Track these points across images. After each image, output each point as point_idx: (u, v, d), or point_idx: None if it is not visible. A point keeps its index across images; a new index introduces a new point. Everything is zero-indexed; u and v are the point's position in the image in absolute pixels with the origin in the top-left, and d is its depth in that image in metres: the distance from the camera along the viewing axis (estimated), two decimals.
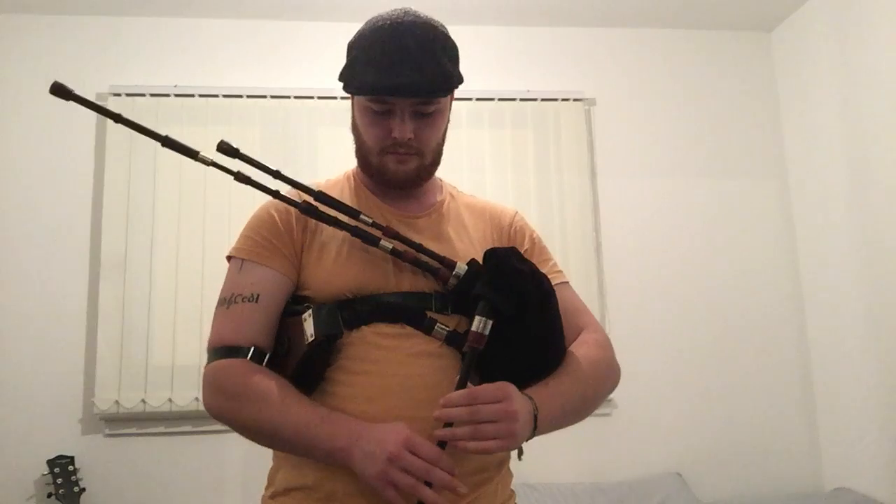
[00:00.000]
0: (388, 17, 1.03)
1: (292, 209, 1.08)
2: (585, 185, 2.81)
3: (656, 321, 2.77)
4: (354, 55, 1.05)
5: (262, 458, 1.14)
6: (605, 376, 1.12)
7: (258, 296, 1.03)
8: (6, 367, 2.47)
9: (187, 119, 2.65)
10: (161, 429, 2.50)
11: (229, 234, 1.11)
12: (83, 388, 2.49)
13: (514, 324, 0.98)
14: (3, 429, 2.44)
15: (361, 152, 1.11)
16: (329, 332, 0.98)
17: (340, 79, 1.08)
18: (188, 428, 2.50)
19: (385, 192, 1.14)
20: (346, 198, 1.12)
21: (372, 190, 1.15)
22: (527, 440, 0.96)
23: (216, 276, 1.10)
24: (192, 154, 1.03)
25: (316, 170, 2.64)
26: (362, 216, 1.05)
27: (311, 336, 0.97)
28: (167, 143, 1.02)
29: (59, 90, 0.98)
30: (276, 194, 1.06)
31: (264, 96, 2.70)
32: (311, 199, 1.07)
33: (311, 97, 2.71)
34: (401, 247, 1.04)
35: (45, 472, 2.27)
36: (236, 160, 1.06)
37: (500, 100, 2.81)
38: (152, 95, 2.65)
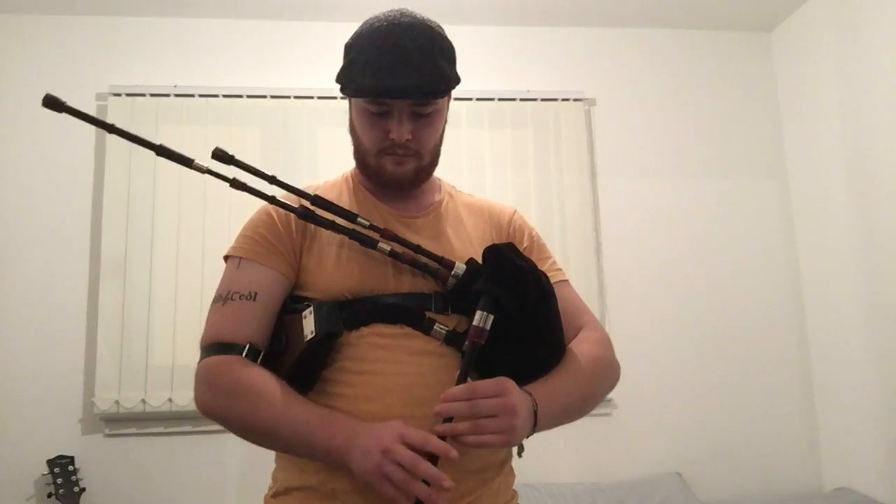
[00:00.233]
0: (384, 18, 1.03)
1: None
2: (585, 185, 2.81)
3: (656, 321, 2.77)
4: (351, 57, 1.05)
5: (261, 458, 1.14)
6: (605, 374, 1.12)
7: (256, 294, 1.02)
8: (6, 367, 2.47)
9: (187, 119, 2.65)
10: (161, 429, 2.50)
11: (229, 234, 1.11)
12: (83, 388, 2.49)
13: (514, 320, 0.98)
14: (3, 429, 2.44)
15: (359, 154, 1.11)
16: (330, 329, 0.98)
17: (338, 81, 1.07)
18: (188, 428, 2.50)
19: (383, 192, 1.14)
20: (345, 199, 1.12)
21: (371, 191, 1.15)
22: (527, 436, 0.96)
23: (216, 276, 1.10)
24: (186, 162, 1.03)
25: (316, 170, 2.64)
26: (360, 219, 1.05)
27: (312, 333, 0.97)
28: (162, 152, 1.02)
29: (52, 102, 0.98)
30: (272, 200, 1.06)
31: (264, 96, 2.70)
32: (307, 204, 1.07)
33: (311, 97, 2.71)
34: (399, 248, 1.04)
35: (45, 472, 2.27)
36: (232, 166, 1.06)
37: (500, 100, 2.81)
38: (152, 95, 2.65)
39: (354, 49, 1.05)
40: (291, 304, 1.05)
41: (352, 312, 1.01)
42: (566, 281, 1.18)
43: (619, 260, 2.80)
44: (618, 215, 2.84)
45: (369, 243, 1.03)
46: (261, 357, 1.02)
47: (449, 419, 0.90)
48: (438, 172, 1.19)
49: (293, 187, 1.08)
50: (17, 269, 2.54)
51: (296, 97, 2.71)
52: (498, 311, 0.96)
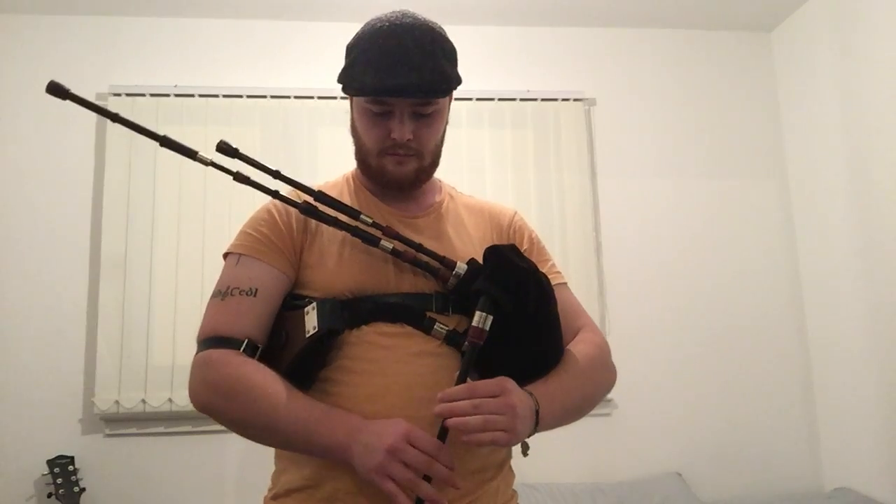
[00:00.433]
0: (386, 18, 1.04)
1: (292, 209, 1.08)
2: (585, 185, 2.81)
3: (656, 321, 2.77)
4: (353, 57, 1.05)
5: (261, 458, 1.14)
6: (603, 376, 1.13)
7: (256, 290, 1.02)
8: (6, 367, 2.47)
9: (187, 119, 2.65)
10: (161, 429, 2.50)
11: (229, 234, 1.10)
12: (83, 388, 2.49)
13: (513, 320, 0.98)
14: (3, 429, 2.44)
15: (361, 154, 1.11)
16: (332, 326, 0.98)
17: (339, 81, 1.08)
18: (188, 428, 2.50)
19: (385, 192, 1.14)
20: (346, 199, 1.12)
21: (372, 191, 1.15)
22: (528, 436, 0.96)
23: (216, 275, 1.09)
24: (190, 154, 1.03)
25: (316, 170, 2.64)
26: (362, 216, 1.05)
27: (315, 328, 0.97)
28: (165, 142, 1.02)
29: (56, 89, 0.98)
30: (275, 194, 1.06)
31: (264, 96, 2.70)
32: (310, 200, 1.07)
33: (311, 97, 2.71)
34: (401, 247, 1.04)
35: (45, 472, 2.27)
36: (235, 160, 1.06)
37: (500, 100, 2.81)
38: (152, 95, 2.65)
39: (356, 49, 1.05)
40: (292, 302, 1.04)
41: (353, 311, 1.01)
42: (565, 283, 1.18)
43: (619, 260, 2.80)
44: (618, 215, 2.84)
45: (372, 241, 1.03)
46: (258, 353, 1.01)
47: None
48: (438, 173, 1.19)
49: (297, 182, 1.08)
50: (17, 269, 2.54)
51: (296, 97, 2.71)
52: (497, 312, 0.96)
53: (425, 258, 1.04)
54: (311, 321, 0.98)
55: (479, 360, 0.96)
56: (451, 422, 0.89)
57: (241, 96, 2.69)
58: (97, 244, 2.57)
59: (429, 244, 1.06)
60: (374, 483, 0.87)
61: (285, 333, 1.03)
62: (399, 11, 1.05)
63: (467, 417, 0.89)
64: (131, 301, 2.50)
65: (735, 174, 2.94)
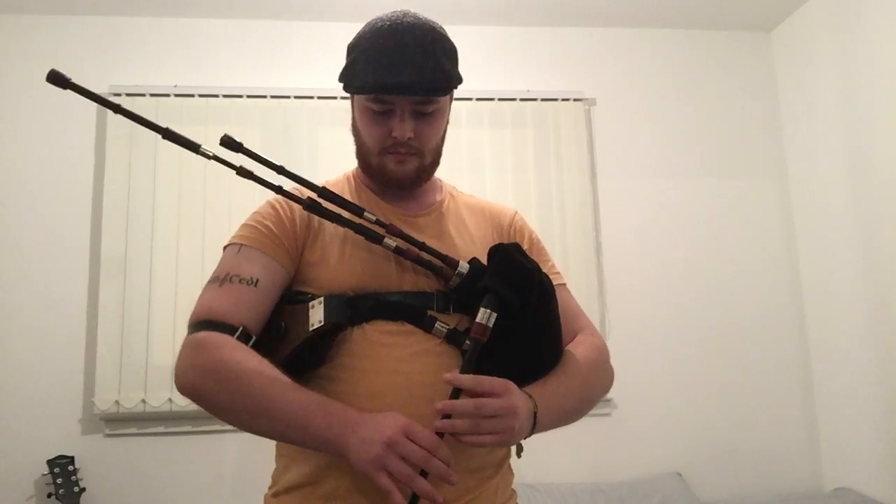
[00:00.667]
0: (387, 18, 1.04)
1: (296, 205, 1.07)
2: (585, 185, 2.81)
3: (656, 321, 2.77)
4: (354, 56, 1.05)
5: (261, 458, 1.14)
6: (601, 378, 1.13)
7: (257, 280, 1.01)
8: (6, 367, 2.47)
9: (187, 119, 2.64)
10: (161, 429, 2.50)
11: (229, 234, 1.10)
12: (83, 388, 2.49)
13: (516, 319, 0.98)
14: (3, 429, 2.44)
15: (361, 153, 1.11)
16: (339, 320, 0.98)
17: (340, 79, 1.08)
18: (188, 428, 2.50)
19: (386, 191, 1.14)
20: (347, 198, 1.12)
21: (373, 190, 1.15)
22: (525, 438, 0.96)
23: None
24: (193, 147, 1.02)
25: (316, 170, 2.64)
26: (366, 214, 1.05)
27: (320, 322, 0.96)
28: (168, 135, 1.01)
29: (56, 78, 0.97)
30: (279, 190, 1.06)
31: (264, 96, 2.70)
32: (314, 196, 1.07)
33: (311, 97, 2.71)
34: (404, 245, 1.04)
35: (45, 472, 2.27)
36: (238, 155, 1.05)
37: (500, 100, 2.81)
38: (152, 95, 2.65)
39: (357, 48, 1.05)
40: (294, 296, 1.04)
41: (354, 309, 1.01)
42: (564, 285, 1.18)
43: (619, 260, 2.80)
44: (618, 215, 2.84)
45: (375, 239, 1.03)
46: (251, 343, 0.99)
47: (448, 416, 0.90)
48: (439, 173, 1.19)
49: (301, 178, 1.07)
50: (17, 269, 2.54)
51: (296, 97, 2.71)
52: (502, 310, 0.96)
53: (428, 257, 1.05)
54: (317, 315, 0.97)
55: (479, 359, 0.96)
56: (438, 424, 0.88)
57: (241, 96, 2.69)
58: (97, 244, 2.57)
59: (430, 243, 1.06)
60: (370, 477, 0.86)
61: (284, 326, 1.02)
62: (400, 11, 1.05)
63: (455, 421, 0.88)
64: (131, 301, 2.50)
65: (735, 174, 2.94)
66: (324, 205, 1.06)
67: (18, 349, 2.49)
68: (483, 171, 2.75)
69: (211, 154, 1.02)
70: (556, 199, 2.78)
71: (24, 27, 2.70)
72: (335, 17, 2.77)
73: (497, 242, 1.12)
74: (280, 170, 1.06)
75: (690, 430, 2.73)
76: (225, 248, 1.09)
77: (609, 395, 2.64)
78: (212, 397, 0.95)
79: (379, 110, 1.04)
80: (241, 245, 1.05)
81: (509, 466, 1.10)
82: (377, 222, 1.05)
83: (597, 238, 2.79)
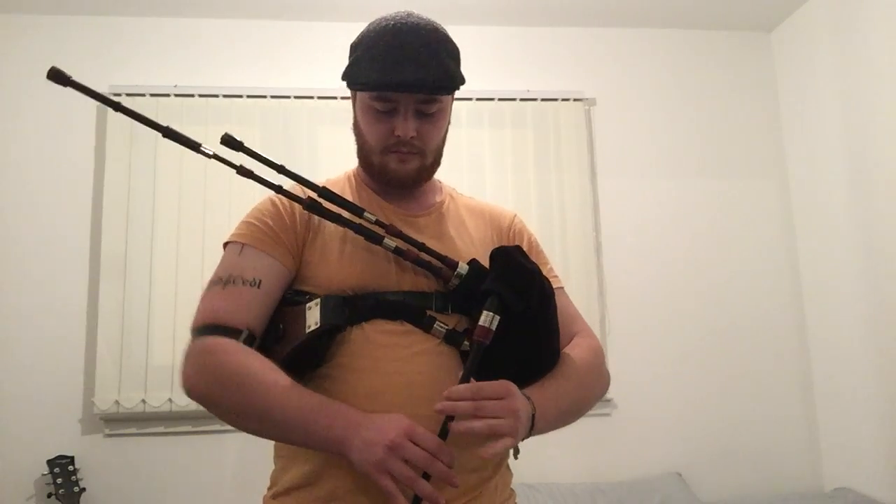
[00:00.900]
0: (391, 18, 1.05)
1: (296, 203, 1.07)
2: (585, 185, 2.81)
3: (656, 321, 2.77)
4: (358, 54, 1.06)
5: (261, 458, 1.14)
6: (597, 381, 1.13)
7: (260, 281, 1.01)
8: (6, 367, 2.47)
9: (187, 119, 2.65)
10: (161, 429, 2.50)
11: (229, 234, 1.10)
12: (83, 388, 2.49)
13: (516, 322, 0.98)
14: (3, 429, 2.44)
15: (363, 152, 1.11)
16: (336, 322, 0.98)
17: (344, 77, 1.08)
18: (188, 428, 2.50)
19: (386, 191, 1.14)
20: (348, 197, 1.12)
21: (374, 189, 1.15)
22: (522, 439, 0.96)
23: None
24: (193, 146, 1.02)
25: (316, 170, 2.63)
26: (366, 214, 1.05)
27: (317, 324, 0.96)
28: (168, 133, 1.01)
29: (57, 76, 0.97)
30: (279, 189, 1.06)
31: (264, 96, 2.70)
32: (314, 195, 1.07)
33: (311, 97, 2.71)
34: (403, 245, 1.04)
35: (45, 472, 2.27)
36: (239, 154, 1.05)
37: (500, 100, 2.81)
38: (152, 95, 2.65)
39: (361, 46, 1.06)
40: (292, 297, 1.04)
41: (353, 308, 1.01)
42: (562, 288, 1.18)
43: (619, 260, 2.80)
44: (618, 215, 2.84)
45: (375, 238, 1.03)
46: (255, 345, 1.00)
47: (451, 418, 0.90)
48: (439, 173, 1.19)
49: (301, 177, 1.07)
50: (17, 269, 2.54)
51: (296, 97, 2.71)
52: (504, 313, 0.96)
53: (427, 257, 1.04)
54: (314, 317, 0.97)
55: (479, 361, 0.96)
56: (457, 428, 0.88)
57: (241, 96, 2.69)
58: (97, 244, 2.57)
59: (430, 244, 1.06)
60: (372, 479, 0.86)
61: (282, 328, 1.02)
62: (404, 11, 1.06)
63: (473, 423, 0.88)
64: (131, 301, 2.50)
65: (735, 174, 2.94)
66: (324, 204, 1.06)
67: (18, 349, 2.49)
68: (483, 171, 2.75)
69: (211, 153, 1.02)
70: (556, 199, 2.78)
71: (24, 27, 2.70)
72: (335, 17, 2.77)
73: (497, 244, 1.12)
74: (280, 169, 1.06)
75: (690, 430, 2.73)
76: (225, 245, 1.08)
77: (609, 395, 2.64)
78: (219, 403, 0.96)
79: (382, 109, 1.04)
80: (243, 245, 1.05)
81: (508, 466, 1.10)
82: (377, 222, 1.05)
83: (597, 238, 2.79)
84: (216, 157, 1.02)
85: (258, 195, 1.10)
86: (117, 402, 2.44)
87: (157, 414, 2.47)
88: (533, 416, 0.95)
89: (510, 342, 0.99)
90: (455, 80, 1.05)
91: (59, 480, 2.23)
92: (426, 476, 0.87)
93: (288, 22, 2.84)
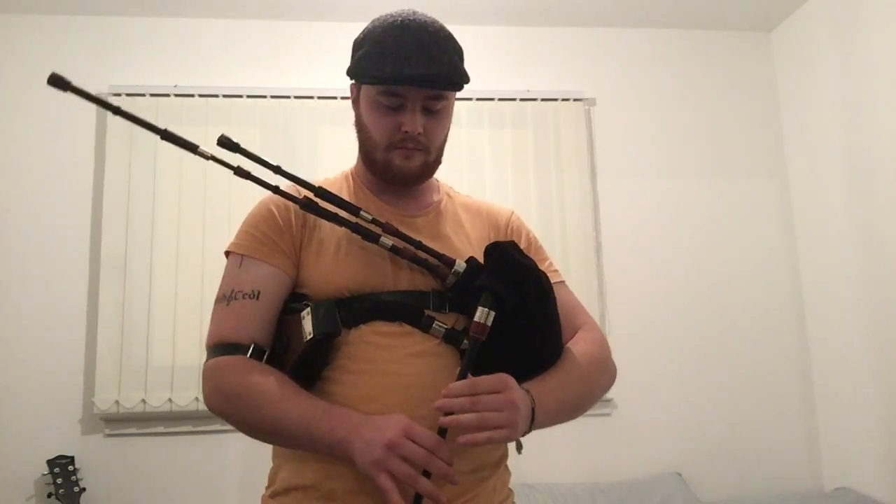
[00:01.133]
0: (397, 14, 1.05)
1: (291, 205, 1.08)
2: (585, 185, 2.81)
3: (656, 321, 2.77)
4: (365, 49, 1.05)
5: (261, 457, 1.14)
6: (602, 374, 1.12)
7: (259, 293, 1.03)
8: (6, 367, 2.47)
9: (187, 119, 2.65)
10: (161, 429, 2.50)
11: (229, 234, 1.10)
12: (83, 388, 2.49)
13: (514, 317, 0.98)
14: (3, 429, 2.44)
15: (366, 148, 1.11)
16: (327, 331, 0.98)
17: (350, 73, 1.08)
18: (188, 428, 2.50)
19: (384, 189, 1.14)
20: (345, 197, 1.12)
21: (371, 189, 1.15)
22: (524, 434, 0.96)
23: (216, 275, 1.10)
24: (191, 148, 1.03)
25: (316, 170, 2.64)
26: (362, 213, 1.05)
27: (310, 334, 0.97)
28: (166, 136, 1.02)
29: (57, 81, 0.97)
30: (276, 189, 1.06)
31: (264, 96, 2.70)
32: (310, 195, 1.07)
33: (311, 97, 2.71)
34: (400, 244, 1.04)
35: (45, 472, 2.28)
36: (236, 155, 1.06)
37: (500, 100, 2.81)
38: (152, 95, 2.65)
39: (368, 41, 1.06)
40: (290, 304, 1.05)
41: (350, 310, 1.01)
42: (563, 282, 1.18)
43: (619, 260, 2.80)
44: (618, 215, 2.84)
45: (372, 237, 1.03)
46: (266, 355, 1.02)
47: (449, 414, 0.90)
48: (438, 173, 1.19)
49: (297, 177, 1.08)
50: (18, 270, 2.54)
51: (296, 97, 2.71)
52: (500, 308, 0.96)
53: (424, 255, 1.05)
54: (307, 326, 0.98)
55: (478, 357, 0.96)
56: (444, 420, 0.89)
57: (241, 96, 2.69)
58: (97, 244, 2.57)
59: (428, 243, 1.06)
60: (372, 478, 0.87)
61: (286, 338, 1.04)
62: (408, 9, 1.06)
63: (460, 416, 0.89)
64: (131, 301, 2.50)
65: (735, 174, 2.95)
66: (320, 204, 1.06)
67: (18, 349, 2.49)
68: (483, 171, 2.75)
69: (209, 155, 1.03)
70: (556, 199, 2.78)
71: (24, 27, 2.70)
72: (335, 17, 2.77)
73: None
74: (277, 169, 1.06)
75: (690, 430, 2.73)
76: (227, 254, 1.10)
77: (609, 395, 2.64)
78: (234, 418, 0.99)
79: (389, 104, 1.04)
80: (242, 256, 1.06)
81: (506, 466, 1.10)
82: (374, 221, 1.05)
83: (597, 238, 2.79)
84: (213, 158, 1.03)
85: (257, 195, 1.10)
86: (117, 402, 2.44)
87: (157, 414, 2.47)
88: (533, 409, 0.95)
89: (510, 338, 0.99)
90: (463, 77, 1.06)
91: (59, 480, 2.23)
92: (426, 474, 0.87)
93: (288, 22, 2.84)
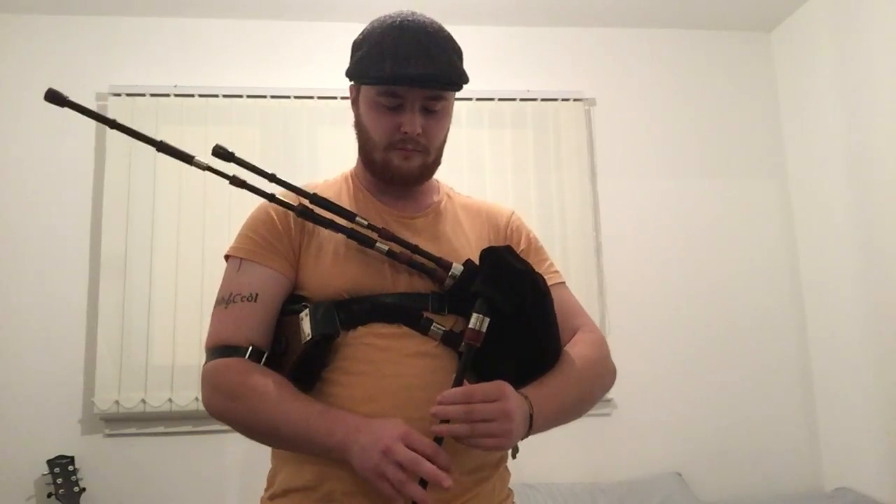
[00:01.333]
0: (396, 15, 1.06)
1: None
2: (585, 185, 2.81)
3: (656, 321, 2.77)
4: (365, 50, 1.06)
5: (261, 458, 1.14)
6: (601, 376, 1.12)
7: (257, 295, 1.03)
8: (6, 367, 2.47)
9: (187, 119, 2.65)
10: (161, 429, 2.50)
11: (229, 234, 1.11)
12: (83, 388, 2.49)
13: (510, 322, 0.98)
14: (3, 429, 2.44)
15: (366, 149, 1.11)
16: (326, 332, 0.98)
17: (349, 74, 1.09)
18: (188, 428, 2.50)
19: (384, 190, 1.14)
20: (344, 199, 1.13)
21: (371, 190, 1.15)
22: (522, 439, 0.96)
23: (216, 276, 1.10)
24: (186, 159, 1.03)
25: (316, 170, 2.64)
26: (358, 218, 1.05)
27: (309, 335, 0.97)
28: (162, 148, 1.03)
29: (54, 97, 0.98)
30: (271, 198, 1.07)
31: (264, 96, 2.70)
32: (306, 202, 1.07)
33: (311, 97, 2.71)
34: (396, 248, 1.04)
35: (45, 472, 2.28)
36: (232, 164, 1.06)
37: (500, 100, 2.81)
38: (152, 95, 2.65)
39: (367, 42, 1.06)
40: (289, 306, 1.05)
41: (349, 312, 1.01)
42: (563, 283, 1.18)
43: (619, 260, 2.80)
44: (618, 215, 2.84)
45: (367, 243, 1.03)
46: (264, 358, 1.02)
47: (445, 420, 0.90)
48: (437, 173, 1.19)
49: (292, 185, 1.08)
50: (18, 270, 2.54)
51: (296, 97, 2.71)
52: (494, 314, 0.96)
53: (421, 259, 1.05)
54: (306, 327, 0.98)
55: (476, 362, 0.96)
56: (436, 429, 0.90)
57: (241, 96, 2.69)
58: (97, 244, 2.57)
59: (426, 245, 1.06)
60: (371, 483, 0.88)
61: (284, 339, 1.04)
62: (407, 10, 1.07)
63: (453, 426, 0.89)
64: (131, 301, 2.50)
65: (735, 174, 2.94)
66: (316, 210, 1.06)
67: (18, 349, 2.49)
68: (483, 171, 2.75)
69: (204, 165, 1.04)
70: (556, 199, 2.78)
71: (23, 27, 2.70)
72: (335, 17, 2.77)
73: (493, 243, 1.12)
74: (271, 178, 1.07)
75: (690, 430, 2.73)
76: (226, 258, 1.10)
77: (609, 395, 2.64)
78: (233, 420, 1.00)
79: (389, 105, 1.04)
80: (241, 259, 1.07)
81: (506, 466, 1.10)
82: (369, 226, 1.05)
83: (597, 238, 2.79)
84: (209, 168, 1.03)
85: (256, 197, 1.10)
86: (117, 402, 2.44)
87: (157, 414, 2.47)
88: (531, 414, 0.95)
89: (507, 343, 0.99)
90: (462, 77, 1.06)
91: (59, 480, 2.23)
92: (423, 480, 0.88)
93: (288, 22, 2.84)
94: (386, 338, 1.01)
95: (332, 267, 1.04)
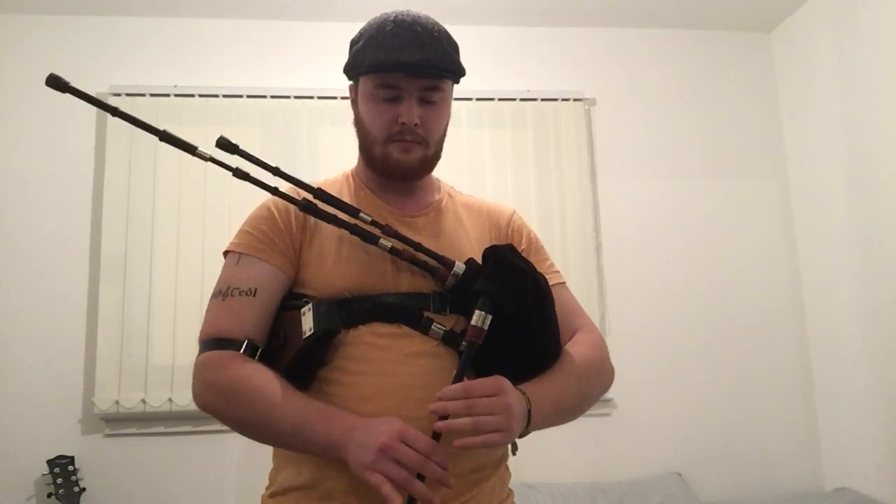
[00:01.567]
0: (391, 12, 1.07)
1: (292, 206, 1.08)
2: (585, 185, 2.81)
3: (656, 321, 2.77)
4: (361, 44, 1.07)
5: (261, 458, 1.14)
6: (599, 376, 1.12)
7: (255, 290, 1.03)
8: (6, 367, 2.47)
9: (187, 119, 2.65)
10: (161, 429, 2.50)
11: (229, 234, 1.10)
12: (83, 388, 2.49)
13: (511, 321, 0.98)
14: (3, 429, 2.44)
15: (365, 144, 1.12)
16: (328, 327, 0.98)
17: (346, 68, 1.10)
18: (188, 428, 2.50)
19: (385, 188, 1.14)
20: (346, 197, 1.13)
21: (372, 188, 1.15)
22: (521, 436, 0.96)
23: (216, 275, 1.09)
24: (190, 149, 1.03)
25: (316, 170, 2.64)
26: (361, 214, 1.06)
27: (310, 330, 0.97)
28: (165, 137, 1.02)
29: (55, 82, 0.97)
30: (275, 191, 1.06)
31: (264, 96, 2.70)
32: (310, 197, 1.07)
33: (311, 97, 2.71)
34: (399, 245, 1.04)
35: (45, 472, 2.28)
36: (235, 157, 1.06)
37: (500, 100, 2.81)
38: (152, 95, 2.65)
39: (364, 36, 1.08)
40: (290, 301, 1.05)
41: (350, 311, 1.01)
42: (563, 283, 1.18)
43: (619, 260, 2.80)
44: (618, 215, 2.84)
45: (370, 239, 1.03)
46: (259, 353, 1.02)
47: (445, 417, 0.90)
48: (438, 172, 1.19)
49: (296, 179, 1.08)
50: (18, 269, 2.54)
51: (296, 97, 2.71)
52: (496, 312, 0.96)
53: (423, 257, 1.05)
54: (308, 322, 0.98)
55: (476, 360, 0.96)
56: (438, 425, 0.89)
57: (241, 96, 2.69)
58: (97, 244, 2.57)
59: (427, 243, 1.06)
60: (367, 481, 0.87)
61: (283, 334, 1.03)
62: (404, 9, 1.08)
63: (456, 420, 0.89)
64: (131, 301, 2.50)
65: (735, 174, 2.94)
66: (319, 205, 1.06)
67: (18, 349, 2.49)
68: (483, 171, 2.75)
69: (207, 156, 1.03)
70: (556, 199, 2.78)
71: (24, 27, 2.70)
72: (335, 17, 2.77)
73: (494, 242, 1.12)
74: (276, 171, 1.06)
75: (690, 430, 2.73)
76: (225, 254, 1.10)
77: (609, 395, 2.64)
78: (223, 414, 0.99)
79: (386, 97, 1.05)
80: (240, 254, 1.06)
81: (506, 466, 1.10)
82: (373, 223, 1.05)
83: (597, 238, 2.79)
84: (212, 159, 1.03)
85: (258, 195, 1.10)
86: (117, 402, 2.44)
87: (157, 414, 2.47)
88: (529, 411, 0.95)
89: (508, 341, 0.99)
90: (457, 66, 1.08)
91: (59, 480, 2.23)
92: (422, 478, 0.87)
93: (288, 22, 2.84)
94: (386, 337, 1.01)
95: (335, 266, 1.04)
